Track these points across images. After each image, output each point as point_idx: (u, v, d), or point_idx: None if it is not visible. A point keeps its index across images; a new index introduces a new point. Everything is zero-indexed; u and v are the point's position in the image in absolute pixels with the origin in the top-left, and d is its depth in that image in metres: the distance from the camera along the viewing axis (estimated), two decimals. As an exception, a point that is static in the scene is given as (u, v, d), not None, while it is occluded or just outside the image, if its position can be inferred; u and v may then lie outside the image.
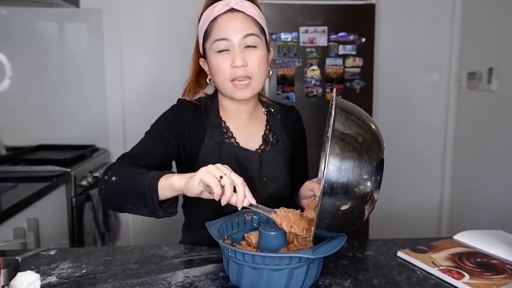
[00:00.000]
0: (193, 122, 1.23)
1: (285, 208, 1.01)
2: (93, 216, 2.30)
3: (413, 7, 2.98)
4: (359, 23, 2.64)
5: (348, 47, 2.64)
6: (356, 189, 0.85)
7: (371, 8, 2.64)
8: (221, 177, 0.91)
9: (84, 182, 2.27)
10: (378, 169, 0.87)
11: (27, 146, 2.66)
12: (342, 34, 2.63)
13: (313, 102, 2.65)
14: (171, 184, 0.97)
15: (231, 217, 1.11)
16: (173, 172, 1.01)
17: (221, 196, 0.91)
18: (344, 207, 0.85)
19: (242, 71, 1.15)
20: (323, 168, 0.97)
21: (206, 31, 1.18)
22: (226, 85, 1.18)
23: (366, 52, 2.66)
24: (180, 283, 0.97)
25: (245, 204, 0.92)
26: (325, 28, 2.62)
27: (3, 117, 2.74)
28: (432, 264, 1.05)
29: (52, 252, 1.15)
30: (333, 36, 2.63)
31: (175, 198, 1.02)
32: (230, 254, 0.93)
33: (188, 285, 0.96)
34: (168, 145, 1.19)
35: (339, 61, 2.65)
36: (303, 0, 2.63)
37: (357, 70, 2.66)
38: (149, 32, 2.85)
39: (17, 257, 1.03)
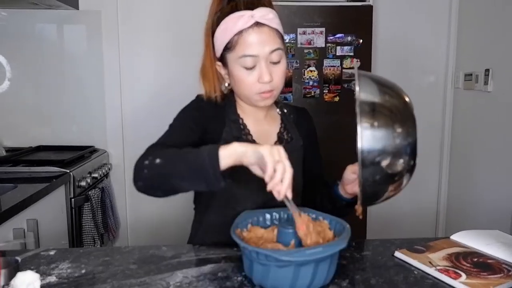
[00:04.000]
0: (213, 115, 1.25)
1: (308, 217, 1.04)
2: (92, 217, 2.30)
3: (410, 9, 3.00)
4: (357, 25, 2.65)
5: (346, 48, 2.65)
6: (393, 146, 0.90)
7: (368, 10, 2.65)
8: (278, 162, 0.95)
9: (83, 183, 2.27)
10: (411, 125, 0.94)
11: (26, 147, 2.66)
12: (340, 35, 2.64)
13: (311, 103, 2.66)
14: (233, 151, 0.99)
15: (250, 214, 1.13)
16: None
17: (270, 178, 0.95)
18: (384, 163, 0.90)
19: (268, 86, 1.19)
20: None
21: (229, 42, 1.17)
22: (251, 97, 1.22)
23: (364, 53, 2.67)
24: (178, 283, 0.98)
25: (286, 194, 0.97)
26: (323, 29, 2.63)
27: (3, 118, 2.75)
28: (429, 264, 1.06)
29: (52, 252, 1.15)
30: (330, 38, 2.64)
31: (229, 168, 1.02)
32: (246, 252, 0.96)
33: (187, 285, 0.97)
34: (193, 134, 1.20)
35: (337, 62, 2.66)
36: (300, 2, 2.64)
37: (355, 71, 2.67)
38: (148, 33, 2.85)
39: (17, 257, 1.03)
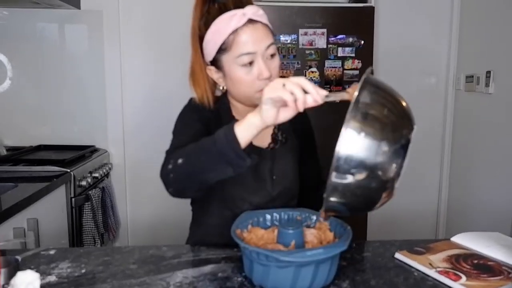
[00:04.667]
0: (209, 117, 1.24)
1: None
2: (92, 217, 2.30)
3: (411, 10, 3.00)
4: (358, 26, 2.65)
5: (347, 49, 2.65)
6: (373, 162, 0.82)
7: (370, 11, 2.65)
8: (283, 85, 0.93)
9: (83, 183, 2.27)
10: (401, 147, 0.85)
11: (27, 146, 2.66)
12: (341, 36, 2.64)
13: (312, 104, 2.65)
14: (251, 123, 0.97)
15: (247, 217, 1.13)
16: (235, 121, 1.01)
17: (295, 101, 0.93)
18: (358, 176, 0.83)
19: (268, 82, 1.15)
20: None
21: (223, 43, 1.14)
22: (251, 95, 1.19)
23: (365, 54, 2.67)
24: (178, 284, 0.98)
25: (322, 98, 0.93)
26: (324, 30, 2.63)
27: (3, 117, 2.75)
28: (429, 265, 1.06)
29: (52, 252, 1.16)
30: (332, 39, 2.64)
31: (249, 145, 1.01)
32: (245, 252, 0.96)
33: (187, 285, 0.97)
34: (201, 132, 1.19)
35: (338, 63, 2.66)
36: (302, 3, 2.64)
37: (356, 72, 2.67)
38: (149, 33, 2.86)
39: (17, 257, 1.03)
